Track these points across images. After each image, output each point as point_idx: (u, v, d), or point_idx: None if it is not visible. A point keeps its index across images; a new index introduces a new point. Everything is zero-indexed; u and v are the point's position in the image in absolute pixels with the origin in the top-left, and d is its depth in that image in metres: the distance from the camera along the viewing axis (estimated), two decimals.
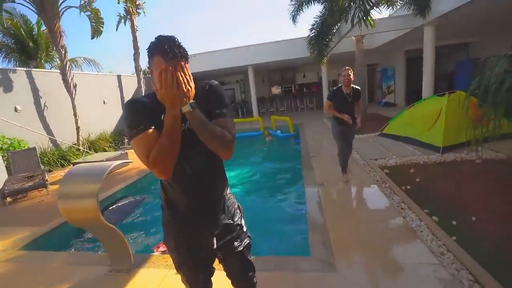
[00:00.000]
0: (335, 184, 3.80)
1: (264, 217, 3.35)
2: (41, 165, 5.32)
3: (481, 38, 9.58)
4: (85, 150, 7.35)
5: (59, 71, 7.40)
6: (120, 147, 8.54)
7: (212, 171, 1.08)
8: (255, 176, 5.35)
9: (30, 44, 10.80)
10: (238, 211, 1.21)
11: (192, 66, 1.19)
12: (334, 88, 3.54)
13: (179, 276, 1.22)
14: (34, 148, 5.34)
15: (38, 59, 11.34)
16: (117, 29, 10.29)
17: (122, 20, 10.06)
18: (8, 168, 4.89)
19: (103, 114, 9.26)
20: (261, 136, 9.14)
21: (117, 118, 9.91)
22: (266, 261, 2.18)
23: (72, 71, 7.53)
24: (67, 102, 7.43)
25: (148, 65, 0.94)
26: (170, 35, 0.89)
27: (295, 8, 8.83)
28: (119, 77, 10.49)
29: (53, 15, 6.97)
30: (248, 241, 1.22)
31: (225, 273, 1.27)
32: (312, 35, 8.90)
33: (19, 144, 5.84)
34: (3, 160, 5.00)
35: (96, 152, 7.47)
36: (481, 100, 2.61)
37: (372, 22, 5.94)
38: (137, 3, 9.99)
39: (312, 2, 8.58)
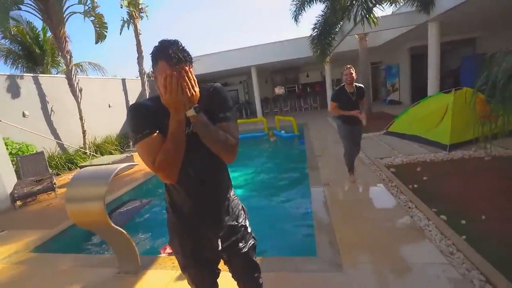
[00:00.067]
0: (341, 183, 3.77)
1: (269, 218, 3.34)
2: (49, 168, 5.40)
3: (487, 33, 9.39)
4: (92, 153, 7.44)
5: (65, 76, 7.53)
6: (126, 149, 8.65)
7: (215, 173, 1.09)
8: (260, 177, 5.35)
9: (37, 50, 11.00)
10: (242, 212, 1.21)
11: (195, 68, 1.19)
12: (337, 88, 3.43)
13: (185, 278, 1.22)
14: (42, 152, 5.43)
15: (44, 65, 11.53)
16: (120, 33, 10.50)
17: (126, 24, 10.20)
18: (17, 172, 4.98)
19: (108, 117, 9.39)
20: (266, 136, 9.12)
21: (122, 121, 10.02)
22: (272, 262, 2.18)
23: (77, 76, 7.64)
24: (73, 106, 7.55)
25: (151, 69, 0.93)
26: (173, 39, 0.89)
27: (297, 7, 8.81)
28: (123, 80, 10.62)
29: (58, 21, 7.09)
30: (253, 242, 1.22)
31: (231, 275, 1.27)
32: (314, 34, 8.87)
33: (28, 149, 5.95)
34: (12, 164, 5.10)
35: (103, 155, 7.55)
36: (489, 96, 2.57)
37: (375, 20, 5.90)
38: (139, 7, 10.12)
39: (314, 1, 8.55)
